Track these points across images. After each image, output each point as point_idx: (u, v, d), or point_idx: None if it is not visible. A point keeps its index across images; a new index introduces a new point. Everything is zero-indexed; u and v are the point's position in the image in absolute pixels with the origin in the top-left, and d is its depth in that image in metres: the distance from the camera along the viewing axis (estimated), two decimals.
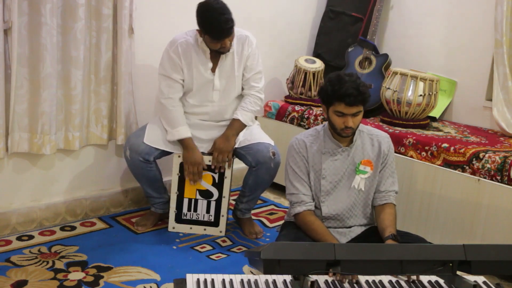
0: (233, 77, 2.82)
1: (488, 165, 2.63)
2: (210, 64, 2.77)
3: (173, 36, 2.78)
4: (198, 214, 2.90)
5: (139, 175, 2.85)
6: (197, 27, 2.66)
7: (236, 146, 2.82)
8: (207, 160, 2.81)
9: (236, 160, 2.91)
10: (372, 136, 2.39)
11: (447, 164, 2.79)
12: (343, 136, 2.29)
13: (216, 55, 2.75)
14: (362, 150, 2.35)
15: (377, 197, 2.37)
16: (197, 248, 2.76)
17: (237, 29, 2.74)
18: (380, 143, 2.37)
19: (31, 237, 2.74)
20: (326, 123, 2.38)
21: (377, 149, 2.36)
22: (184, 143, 2.77)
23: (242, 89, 2.89)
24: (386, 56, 3.58)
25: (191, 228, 2.91)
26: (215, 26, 2.58)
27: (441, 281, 1.85)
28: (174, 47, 2.74)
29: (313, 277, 1.60)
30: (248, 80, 2.85)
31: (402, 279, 1.85)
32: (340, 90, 2.16)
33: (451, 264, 1.68)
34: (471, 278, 1.79)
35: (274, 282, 1.79)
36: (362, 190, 2.34)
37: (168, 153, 2.84)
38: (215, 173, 2.84)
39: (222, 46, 2.66)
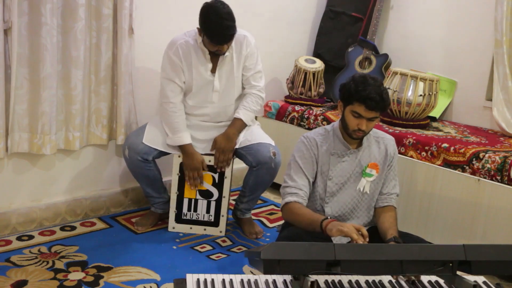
0: (233, 77, 2.81)
1: (488, 165, 2.63)
2: (210, 65, 2.76)
3: (172, 38, 2.77)
4: (198, 214, 2.90)
5: (138, 174, 2.85)
6: (197, 26, 2.65)
7: (237, 146, 2.81)
8: (208, 159, 2.81)
9: (236, 160, 2.91)
10: (378, 139, 2.38)
11: (447, 164, 2.79)
12: (353, 138, 2.27)
13: (215, 56, 2.75)
14: (369, 153, 2.34)
15: (378, 199, 2.37)
16: (197, 248, 2.76)
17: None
18: (387, 145, 2.37)
19: (31, 237, 2.74)
20: (335, 123, 2.37)
21: (383, 152, 2.36)
22: (184, 149, 2.77)
23: (243, 88, 2.89)
24: (386, 56, 3.58)
25: (191, 228, 2.91)
26: (216, 31, 2.57)
27: (441, 281, 1.85)
28: (174, 48, 2.73)
29: (313, 277, 1.60)
30: (249, 79, 2.85)
31: (402, 279, 1.86)
32: (364, 91, 2.14)
33: (451, 264, 1.68)
34: (471, 278, 1.79)
35: (274, 282, 1.79)
36: (367, 193, 2.34)
37: (168, 153, 2.84)
38: (215, 173, 2.84)
39: (219, 49, 2.65)
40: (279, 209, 2.37)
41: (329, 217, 2.14)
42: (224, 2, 2.60)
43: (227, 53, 2.72)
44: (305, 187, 2.28)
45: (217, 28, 2.55)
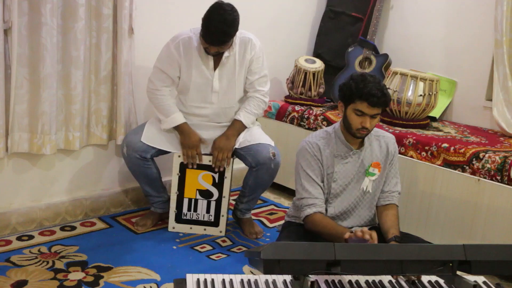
0: (234, 79, 2.80)
1: (488, 165, 2.63)
2: (211, 64, 2.75)
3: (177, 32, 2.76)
4: (198, 214, 2.90)
5: (137, 172, 2.84)
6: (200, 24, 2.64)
7: (236, 146, 2.81)
8: (207, 160, 2.81)
9: (236, 160, 2.91)
10: (379, 138, 2.38)
11: (447, 164, 2.79)
12: (357, 137, 2.27)
13: (217, 56, 2.74)
14: (371, 152, 2.34)
15: (380, 197, 2.37)
16: (197, 248, 2.76)
17: (241, 31, 2.72)
18: (388, 144, 2.37)
19: (31, 237, 2.74)
20: (335, 124, 2.37)
21: (385, 150, 2.36)
22: (180, 129, 2.77)
23: (246, 91, 2.88)
24: (386, 56, 3.58)
25: (191, 228, 2.91)
26: (211, 30, 2.56)
27: (441, 281, 1.85)
28: (176, 42, 2.72)
29: (313, 277, 1.60)
30: (253, 83, 2.84)
31: (402, 279, 1.86)
32: (365, 88, 2.15)
33: (451, 264, 1.68)
34: (471, 278, 1.78)
35: (274, 282, 1.79)
36: (369, 191, 2.34)
37: (166, 152, 2.83)
38: (215, 173, 2.84)
39: (208, 47, 2.64)
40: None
41: (352, 230, 2.13)
42: (235, 9, 2.58)
43: (226, 54, 2.71)
44: (320, 195, 2.29)
45: (214, 28, 2.54)
